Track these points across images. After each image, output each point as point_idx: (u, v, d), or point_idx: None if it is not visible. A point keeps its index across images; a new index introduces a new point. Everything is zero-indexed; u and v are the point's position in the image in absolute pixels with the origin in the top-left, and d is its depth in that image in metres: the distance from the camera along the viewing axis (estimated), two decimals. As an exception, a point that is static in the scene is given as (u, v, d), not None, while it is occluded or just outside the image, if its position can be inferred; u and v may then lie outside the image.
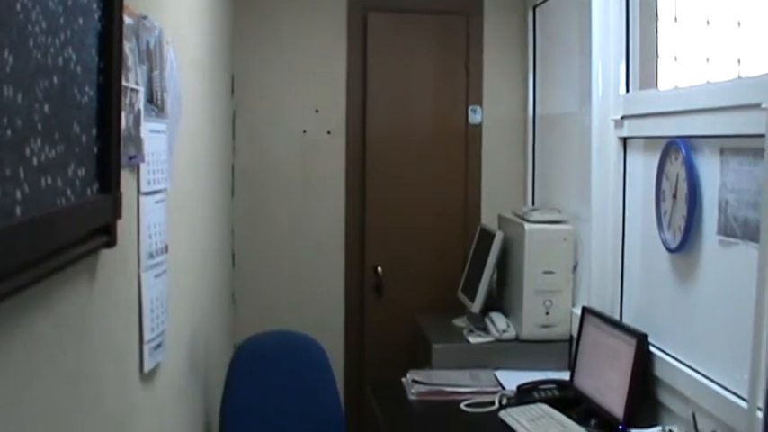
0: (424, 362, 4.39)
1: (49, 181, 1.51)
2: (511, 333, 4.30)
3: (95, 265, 1.96)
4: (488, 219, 5.06)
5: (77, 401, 1.83)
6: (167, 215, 2.78)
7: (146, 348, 2.48)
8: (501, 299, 4.63)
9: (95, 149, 1.83)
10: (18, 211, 1.35)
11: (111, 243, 1.94)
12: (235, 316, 5.11)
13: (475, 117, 5.29)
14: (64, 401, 1.72)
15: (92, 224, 1.82)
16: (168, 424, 2.96)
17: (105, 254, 2.03)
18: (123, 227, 2.19)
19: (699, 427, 2.78)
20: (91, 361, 1.94)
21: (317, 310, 5.21)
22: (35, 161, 1.43)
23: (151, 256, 2.55)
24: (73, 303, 1.80)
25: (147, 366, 2.51)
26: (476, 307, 4.44)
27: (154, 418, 2.67)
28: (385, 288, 5.25)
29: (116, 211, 1.96)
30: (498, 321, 4.35)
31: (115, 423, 2.17)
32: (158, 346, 2.64)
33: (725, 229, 2.87)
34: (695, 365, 3.07)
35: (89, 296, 1.92)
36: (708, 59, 3.16)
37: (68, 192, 1.62)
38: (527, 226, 4.24)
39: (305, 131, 5.24)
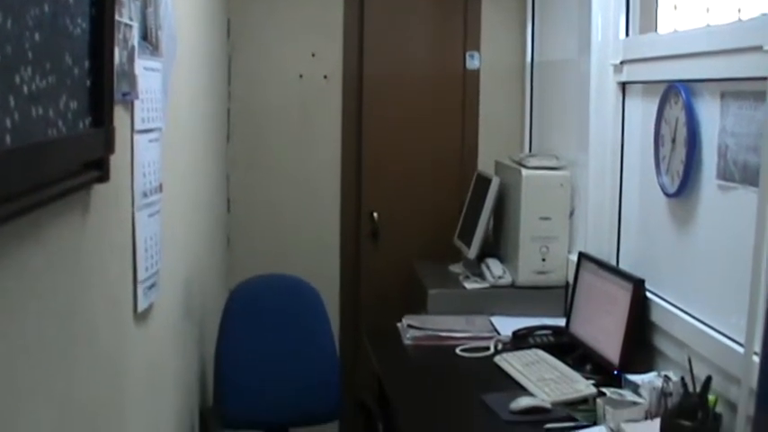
0: (419, 307, 4.39)
1: (40, 111, 1.48)
2: (507, 279, 4.29)
3: (88, 200, 1.94)
4: (485, 165, 5.04)
5: (70, 338, 1.81)
6: (162, 155, 2.76)
7: (140, 288, 2.47)
8: (497, 245, 4.61)
9: (88, 83, 1.80)
10: (8, 139, 1.32)
11: (103, 178, 1.92)
12: (230, 261, 5.10)
13: (473, 62, 5.25)
14: (56, 338, 1.71)
15: (84, 157, 1.80)
16: (163, 364, 2.95)
17: (98, 189, 2.00)
18: (117, 164, 2.16)
19: (694, 372, 2.77)
20: (84, 298, 1.92)
21: (313, 255, 5.20)
22: (25, 90, 1.40)
23: (145, 194, 2.52)
24: (66, 239, 1.77)
25: (141, 306, 2.50)
26: (472, 253, 4.43)
27: (148, 358, 2.66)
28: (381, 234, 5.24)
29: (109, 146, 1.93)
30: (494, 267, 4.34)
31: (109, 362, 2.16)
32: (152, 286, 2.63)
33: (724, 174, 2.85)
34: (692, 311, 3.06)
35: (82, 232, 1.90)
36: (708, 9, 3.12)
37: (60, 123, 1.60)
38: (524, 172, 4.22)
39: (301, 76, 5.19)
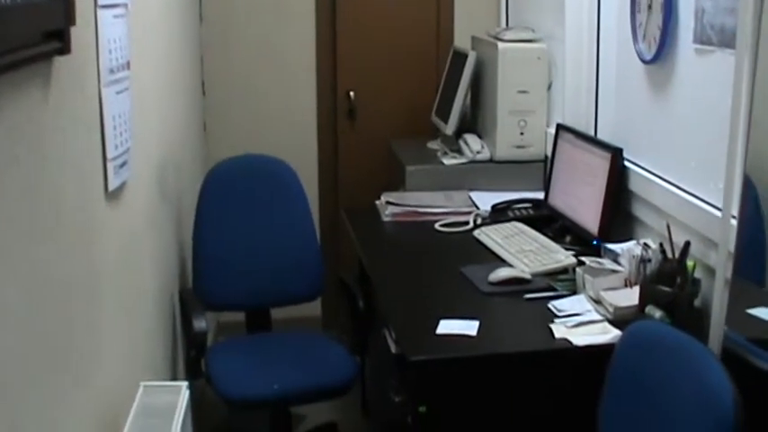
0: (397, 185, 4.37)
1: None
2: (485, 154, 4.26)
3: (49, 73, 1.89)
4: (462, 41, 4.96)
5: (36, 215, 1.78)
6: (128, 31, 2.69)
7: (110, 166, 2.43)
8: (475, 121, 4.57)
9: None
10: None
11: (64, 50, 1.86)
12: (207, 146, 5.04)
13: (447, -64, 5.13)
14: (19, 212, 1.67)
15: (43, 27, 1.74)
16: (138, 245, 2.93)
17: (60, 64, 1.95)
18: (79, 38, 2.11)
19: (673, 238, 2.76)
20: (49, 175, 1.88)
21: (290, 136, 5.15)
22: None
23: (112, 71, 2.46)
24: (25, 111, 1.73)
25: (113, 185, 2.46)
26: (449, 129, 4.39)
27: (123, 238, 2.64)
28: (358, 113, 5.18)
29: (68, 17, 1.87)
30: (472, 143, 4.31)
31: (80, 239, 2.13)
32: (123, 164, 2.58)
33: (701, 37, 2.80)
34: (670, 178, 3.04)
35: (43, 106, 1.85)
36: None
37: (15, -10, 1.54)
38: (500, 45, 4.15)
39: (273, -47, 5.08)
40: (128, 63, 2.67)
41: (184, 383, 2.54)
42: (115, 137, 2.49)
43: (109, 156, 2.42)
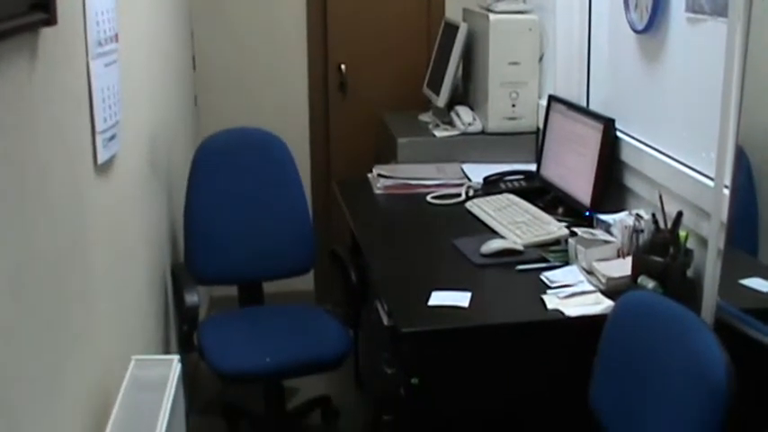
0: (389, 158, 4.35)
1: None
2: (477, 126, 4.24)
3: (36, 44, 1.87)
4: (453, 13, 4.93)
5: (24, 188, 1.76)
6: (116, 4, 2.67)
7: (99, 139, 2.41)
8: (467, 93, 4.56)
9: None
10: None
11: (51, 21, 1.84)
12: (198, 120, 5.02)
13: None
14: (8, 185, 1.66)
15: (27, -2, 1.73)
16: (129, 219, 2.92)
17: (47, 35, 1.94)
18: (66, 9, 2.09)
19: (666, 208, 2.75)
20: (37, 147, 1.87)
21: (282, 110, 5.13)
22: None
23: (100, 43, 2.44)
24: (11, 81, 1.71)
25: (102, 158, 2.45)
26: (441, 101, 4.37)
27: (112, 211, 2.62)
28: (349, 86, 5.16)
29: (54, -13, 1.85)
30: (464, 115, 4.29)
31: (69, 213, 2.12)
32: (112, 137, 2.57)
33: (693, 6, 2.79)
34: (662, 148, 3.03)
35: (30, 77, 1.83)
36: None
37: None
38: (491, 17, 4.13)
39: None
40: (116, 36, 2.65)
41: (176, 357, 2.54)
42: (104, 110, 2.47)
43: (98, 129, 2.40)
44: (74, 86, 2.22)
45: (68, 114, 2.16)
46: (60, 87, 2.08)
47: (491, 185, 3.79)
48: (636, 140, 3.21)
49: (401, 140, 4.22)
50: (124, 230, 2.83)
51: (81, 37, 2.30)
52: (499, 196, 3.61)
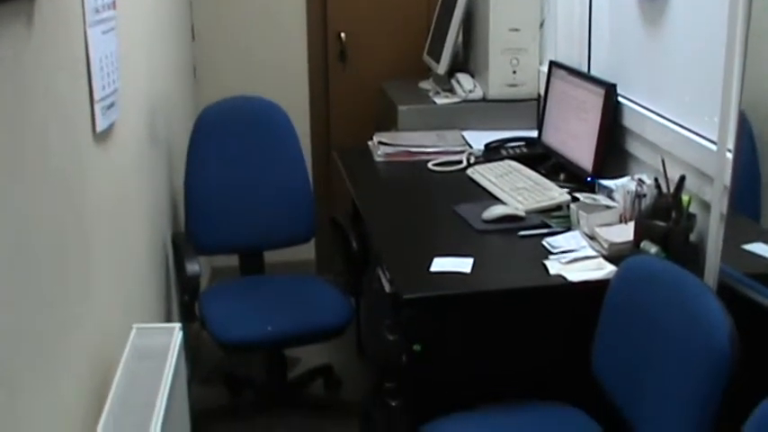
0: (390, 126, 4.33)
1: None
2: (477, 93, 4.22)
3: (32, 11, 1.85)
4: (453, -21, 4.90)
5: (22, 155, 1.75)
6: (112, -30, 2.65)
7: (97, 107, 2.39)
8: (467, 60, 4.53)
9: None
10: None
11: (46, -14, 1.83)
12: (198, 90, 4.99)
13: None
14: (6, 153, 1.65)
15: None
16: (129, 187, 2.91)
17: (43, 1, 1.92)
18: (62, -25, 2.08)
19: (668, 173, 2.74)
20: (35, 114, 1.85)
21: (282, 80, 5.10)
22: None
23: (97, 10, 2.42)
24: (8, 50, 1.69)
25: (101, 126, 2.43)
26: (441, 68, 4.34)
27: (111, 180, 2.61)
28: (349, 55, 5.13)
29: (49, -48, 1.83)
30: (465, 82, 4.27)
31: (68, 180, 2.11)
32: (111, 105, 2.55)
33: (696, -31, 2.77)
34: (664, 112, 3.01)
35: (27, 43, 1.82)
36: None
37: None
38: (492, -18, 4.10)
39: None
40: (113, 2, 2.63)
41: (177, 325, 2.53)
42: (102, 78, 2.45)
43: (96, 97, 2.39)
44: (71, 54, 2.21)
45: (66, 82, 2.15)
46: (57, 55, 2.07)
47: (492, 152, 3.77)
48: (638, 105, 3.18)
49: (402, 108, 4.20)
50: (124, 199, 2.82)
51: (78, 3, 2.28)
52: (500, 163, 3.60)
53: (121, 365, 2.31)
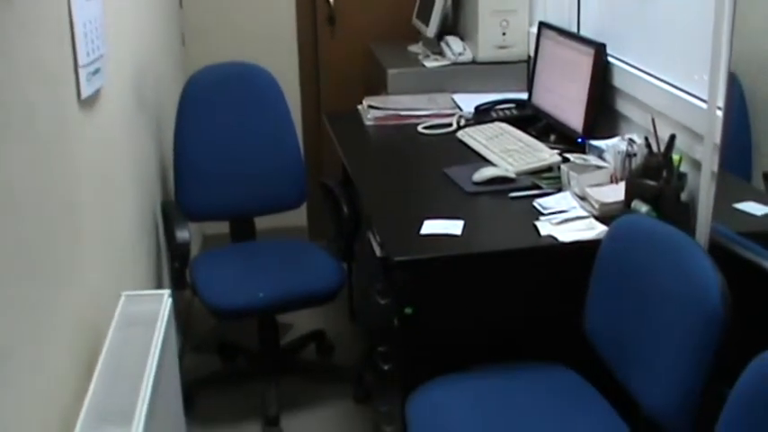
0: (380, 90, 4.31)
1: None
2: (467, 56, 4.20)
3: (12, -26, 1.83)
4: (441, -59, 4.86)
5: (4, 118, 1.73)
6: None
7: (82, 73, 2.37)
8: (456, 22, 4.50)
9: None
10: None
11: (25, -51, 1.80)
12: (186, 58, 4.96)
13: None
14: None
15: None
16: (117, 154, 2.89)
17: (23, -35, 1.89)
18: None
19: (659, 133, 2.72)
20: (18, 80, 1.83)
21: (270, 45, 5.07)
22: None
23: (80, -25, 2.39)
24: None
25: (86, 92, 2.40)
26: (431, 31, 4.32)
27: (98, 146, 2.58)
28: (338, 18, 5.09)
29: None
30: (454, 45, 4.24)
31: (54, 146, 2.09)
32: (96, 71, 2.53)
33: (686, -75, 2.74)
34: (654, 72, 2.99)
35: (8, 8, 1.79)
36: None
37: None
38: (480, -57, 4.07)
39: None
40: (96, -33, 2.60)
41: (167, 292, 2.52)
42: (86, 43, 2.43)
43: (81, 62, 2.36)
44: (54, 19, 2.18)
45: (49, 47, 2.12)
46: (40, 18, 2.04)
47: (482, 114, 3.75)
48: (628, 65, 3.17)
49: (391, 72, 4.17)
50: (112, 166, 2.80)
51: (59, -33, 2.25)
52: (491, 125, 3.58)
53: (110, 333, 2.30)
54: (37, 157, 1.94)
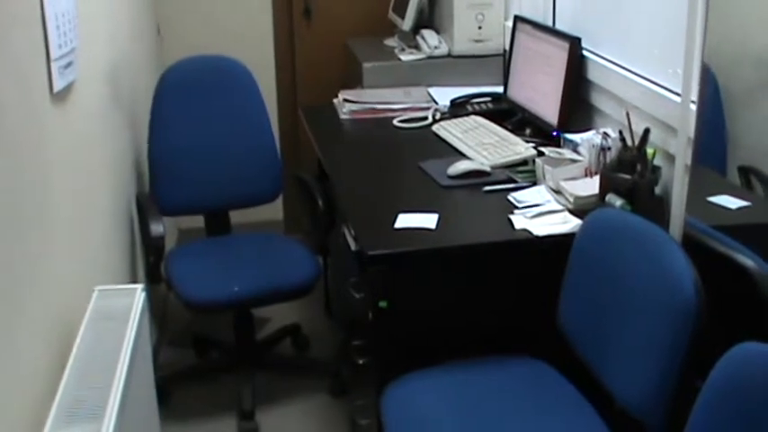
0: (355, 83, 4.30)
1: None
2: (443, 49, 4.20)
3: (-19, -35, 1.81)
4: (417, -66, 4.85)
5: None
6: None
7: (54, 66, 2.35)
8: (432, 16, 4.50)
9: None
10: None
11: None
12: (161, 51, 4.93)
13: None
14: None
15: None
16: (91, 148, 2.87)
17: (-7, -44, 1.88)
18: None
19: (633, 126, 2.73)
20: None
21: (246, 38, 5.04)
22: None
23: (51, -34, 2.37)
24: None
25: (58, 86, 2.39)
26: (406, 25, 4.32)
27: (71, 140, 2.57)
28: (314, 12, 5.07)
29: None
30: (430, 38, 4.24)
31: (25, 141, 2.07)
32: (69, 65, 2.51)
33: None
34: (629, 66, 2.99)
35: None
36: None
37: None
38: (456, -62, 4.07)
39: None
40: (69, -41, 2.58)
41: (140, 286, 2.50)
42: (59, 36, 2.41)
43: (53, 56, 2.34)
44: (25, 11, 2.16)
45: (20, 40, 2.10)
46: (10, 11, 2.02)
47: (458, 108, 3.75)
48: (602, 59, 3.17)
49: (366, 65, 4.16)
50: (85, 160, 2.78)
51: (30, -42, 2.23)
52: (466, 118, 3.58)
53: (83, 327, 2.28)
54: (7, 152, 1.92)
